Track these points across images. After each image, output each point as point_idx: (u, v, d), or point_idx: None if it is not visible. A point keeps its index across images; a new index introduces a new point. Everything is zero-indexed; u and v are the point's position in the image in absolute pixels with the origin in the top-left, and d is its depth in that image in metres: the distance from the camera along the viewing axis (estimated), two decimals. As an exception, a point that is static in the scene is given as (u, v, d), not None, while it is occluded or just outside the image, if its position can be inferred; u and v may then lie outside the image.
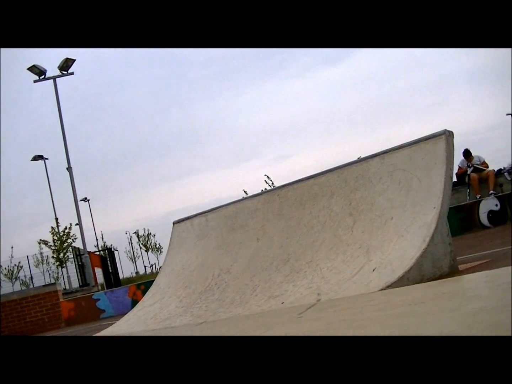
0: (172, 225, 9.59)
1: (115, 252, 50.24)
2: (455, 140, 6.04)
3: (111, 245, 63.69)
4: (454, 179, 14.51)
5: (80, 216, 32.01)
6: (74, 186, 31.21)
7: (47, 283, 34.76)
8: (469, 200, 15.37)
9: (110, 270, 33.95)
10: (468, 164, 15.87)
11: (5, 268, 52.40)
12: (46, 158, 46.31)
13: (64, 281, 41.61)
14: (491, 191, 15.00)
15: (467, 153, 15.96)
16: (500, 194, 14.71)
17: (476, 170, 15.72)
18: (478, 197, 15.05)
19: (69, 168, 31.19)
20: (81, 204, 47.40)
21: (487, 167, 15.94)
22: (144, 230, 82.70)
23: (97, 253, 38.60)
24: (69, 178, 31.30)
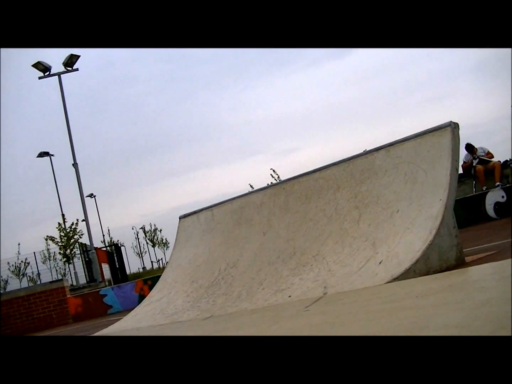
0: (178, 220, 9.61)
1: (122, 248, 50.33)
2: (460, 132, 6.03)
3: (118, 240, 63.91)
4: (460, 171, 14.48)
5: (86, 212, 32.02)
6: (80, 182, 31.23)
7: (54, 279, 34.92)
8: (475, 192, 15.32)
9: (117, 266, 34.01)
10: (474, 155, 15.81)
11: (12, 265, 52.47)
12: (52, 155, 46.28)
13: (71, 277, 41.68)
14: (498, 183, 14.95)
15: (469, 147, 15.88)
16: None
17: (481, 161, 15.67)
18: (484, 189, 15.00)
19: (75, 164, 31.20)
20: (87, 200, 47.36)
21: (492, 157, 15.89)
22: (151, 225, 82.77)
23: (104, 249, 38.67)
24: (75, 174, 31.33)
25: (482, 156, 15.79)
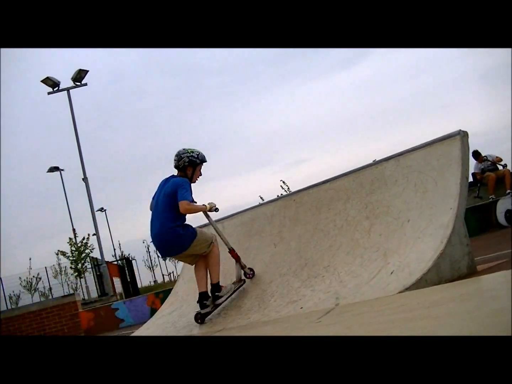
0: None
1: (133, 261, 50.38)
2: (469, 140, 6.02)
3: (129, 254, 63.84)
4: (470, 179, 14.45)
5: (97, 226, 32.09)
6: (91, 197, 31.32)
7: (66, 293, 34.96)
8: (477, 195, 15.36)
9: (128, 279, 34.06)
10: (482, 164, 15.81)
11: (24, 280, 52.56)
12: (62, 169, 46.46)
13: (82, 292, 41.72)
14: (508, 190, 14.90)
15: (476, 154, 15.89)
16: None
17: (493, 168, 15.66)
18: (492, 198, 14.95)
19: (85, 179, 31.33)
20: (98, 214, 47.51)
21: (501, 160, 15.92)
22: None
23: (115, 262, 38.73)
24: (85, 188, 31.45)
25: (491, 162, 15.80)
